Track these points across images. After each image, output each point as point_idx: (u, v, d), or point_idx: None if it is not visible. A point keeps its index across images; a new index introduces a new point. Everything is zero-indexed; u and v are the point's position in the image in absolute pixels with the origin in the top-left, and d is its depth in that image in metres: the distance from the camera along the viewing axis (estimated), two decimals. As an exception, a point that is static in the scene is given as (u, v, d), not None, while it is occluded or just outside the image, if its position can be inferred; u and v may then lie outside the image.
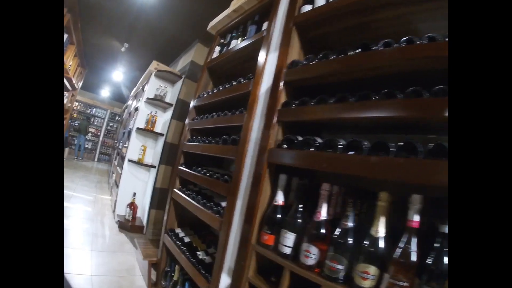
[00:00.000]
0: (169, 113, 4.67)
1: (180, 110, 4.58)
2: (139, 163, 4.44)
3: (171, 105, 4.62)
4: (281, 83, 1.65)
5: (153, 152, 4.83)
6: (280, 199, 1.47)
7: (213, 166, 2.74)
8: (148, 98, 4.63)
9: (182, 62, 5.41)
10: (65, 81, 6.32)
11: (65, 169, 7.88)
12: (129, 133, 5.27)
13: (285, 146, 1.51)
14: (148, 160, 4.72)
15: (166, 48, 5.76)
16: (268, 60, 1.82)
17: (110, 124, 12.92)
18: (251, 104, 1.81)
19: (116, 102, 12.92)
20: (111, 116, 12.83)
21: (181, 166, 2.75)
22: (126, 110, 8.80)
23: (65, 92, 6.69)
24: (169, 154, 4.48)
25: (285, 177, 1.49)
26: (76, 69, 7.04)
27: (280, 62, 1.72)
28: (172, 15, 4.62)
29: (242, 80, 2.10)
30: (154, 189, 4.38)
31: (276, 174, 1.55)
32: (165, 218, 2.77)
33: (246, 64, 2.54)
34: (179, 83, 4.81)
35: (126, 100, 10.11)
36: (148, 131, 4.55)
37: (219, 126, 2.36)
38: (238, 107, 2.02)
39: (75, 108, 11.87)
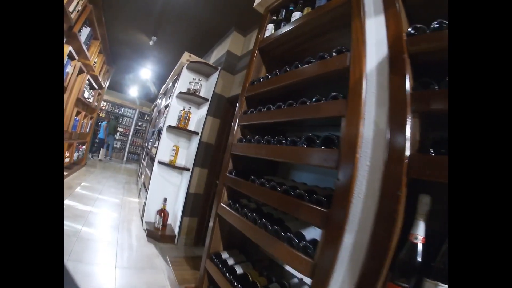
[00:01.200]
0: (204, 109, 4.07)
1: (217, 106, 3.99)
2: (171, 165, 3.86)
3: (207, 100, 4.01)
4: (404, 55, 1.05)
5: (186, 153, 4.25)
6: (420, 233, 0.92)
7: (263, 173, 2.09)
8: (180, 93, 4.05)
9: (216, 54, 4.81)
10: (90, 79, 5.87)
11: (92, 169, 7.48)
12: (159, 132, 4.73)
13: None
14: (180, 162, 4.14)
15: (197, 39, 5.17)
16: (369, 28, 1.24)
17: (139, 124, 12.58)
18: (355, 87, 1.15)
19: (145, 102, 12.58)
20: (139, 116, 12.49)
21: (231, 174, 2.10)
22: (155, 109, 8.34)
23: (91, 91, 6.25)
24: (205, 156, 3.89)
25: (429, 199, 0.92)
26: (102, 66, 6.60)
27: (393, 29, 1.13)
28: (204, 1, 4.00)
29: (329, 55, 1.44)
30: (188, 195, 3.81)
31: (412, 195, 0.92)
32: (207, 241, 2.16)
33: (307, 44, 2.00)
34: (214, 76, 4.21)
35: (155, 99, 9.66)
36: (180, 129, 3.97)
37: (280, 121, 1.71)
38: (298, 98, 1.58)
39: (103, 108, 11.60)
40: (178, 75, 4.47)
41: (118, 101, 11.99)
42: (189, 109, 4.06)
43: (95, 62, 5.90)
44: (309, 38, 1.92)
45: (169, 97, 5.03)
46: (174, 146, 3.94)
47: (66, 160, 5.40)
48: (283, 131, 2.51)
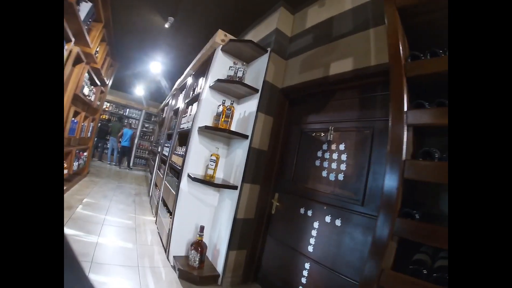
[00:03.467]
0: (249, 104, 2.90)
1: (269, 99, 2.82)
2: (209, 182, 2.64)
3: (256, 90, 2.82)
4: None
5: (225, 163, 3.04)
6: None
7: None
8: (218, 81, 2.83)
9: (256, 34, 3.60)
10: (91, 72, 4.64)
11: (96, 179, 6.23)
12: (183, 135, 3.54)
13: None
14: (219, 176, 2.94)
15: (229, 17, 3.97)
16: None
17: (146, 126, 11.28)
18: None
19: (151, 102, 11.29)
20: (146, 117, 11.21)
21: (408, 216, 0.95)
22: (166, 109, 7.10)
23: (92, 87, 5.02)
24: (256, 167, 2.73)
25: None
26: (104, 58, 5.36)
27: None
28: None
29: None
30: (235, 222, 2.66)
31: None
32: None
33: None
34: (260, 61, 3.04)
35: (164, 98, 8.38)
36: (221, 131, 2.74)
37: None
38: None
39: (106, 109, 10.33)
40: (210, 60, 3.25)
41: (122, 101, 10.71)
42: (232, 103, 2.84)
43: (96, 51, 4.67)
44: None
45: (192, 91, 3.84)
46: (212, 155, 2.72)
47: (64, 171, 4.18)
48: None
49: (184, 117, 3.82)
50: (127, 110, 10.88)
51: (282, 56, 3.07)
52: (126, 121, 10.68)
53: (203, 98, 2.98)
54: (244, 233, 2.74)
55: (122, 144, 9.27)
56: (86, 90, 4.54)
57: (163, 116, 7.22)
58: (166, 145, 4.74)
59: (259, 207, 2.82)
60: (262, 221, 2.85)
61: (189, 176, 2.78)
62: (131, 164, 9.76)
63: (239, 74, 2.87)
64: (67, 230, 3.10)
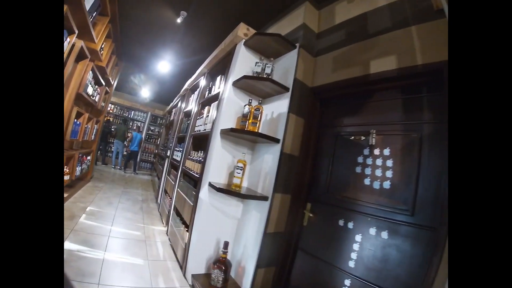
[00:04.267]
0: (278, 104, 2.56)
1: (299, 99, 2.47)
2: (236, 192, 2.26)
3: (286, 89, 2.47)
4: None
5: (250, 170, 2.67)
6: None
7: None
8: (245, 77, 2.47)
9: (279, 30, 3.26)
10: (96, 70, 4.29)
11: (100, 184, 5.86)
12: (197, 139, 3.19)
13: None
14: (243, 184, 2.57)
15: (248, 12, 3.61)
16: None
17: (151, 128, 10.90)
18: None
19: (156, 104, 10.93)
20: (152, 119, 10.84)
21: None
22: (174, 111, 6.74)
23: (96, 87, 4.66)
24: (287, 175, 2.37)
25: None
26: (110, 57, 5.01)
27: None
28: None
29: None
30: (265, 237, 2.29)
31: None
32: None
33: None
34: (287, 58, 2.72)
35: (172, 99, 8.02)
36: (246, 134, 2.36)
37: None
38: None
39: (110, 111, 9.98)
40: (230, 55, 2.89)
41: (127, 103, 10.35)
42: (260, 103, 2.47)
43: (102, 48, 4.31)
44: None
45: (207, 91, 3.49)
46: (239, 161, 2.34)
47: (66, 178, 3.81)
48: None
49: (199, 118, 3.46)
50: (132, 112, 10.51)
51: (311, 53, 2.75)
52: (131, 123, 10.32)
53: (225, 97, 2.62)
54: (274, 248, 2.39)
55: (132, 149, 8.90)
56: (90, 90, 4.18)
57: (171, 118, 6.86)
58: (177, 149, 4.37)
59: (290, 219, 2.47)
60: (292, 235, 2.50)
61: (211, 185, 2.41)
62: (136, 168, 9.39)
63: (267, 70, 2.51)
64: (69, 245, 2.74)
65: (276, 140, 2.36)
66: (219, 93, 2.84)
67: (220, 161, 2.52)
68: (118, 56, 5.84)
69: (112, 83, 6.00)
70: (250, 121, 2.36)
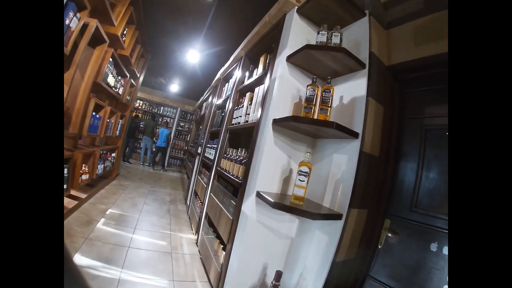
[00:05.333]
0: (353, 86, 1.85)
1: (378, 81, 1.79)
2: (301, 209, 1.55)
3: (363, 66, 1.77)
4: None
5: (316, 176, 1.95)
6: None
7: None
8: (307, 47, 1.76)
9: None
10: (117, 59, 3.76)
11: (126, 183, 5.39)
12: (234, 134, 2.59)
13: None
14: (309, 197, 1.87)
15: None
16: None
17: (181, 124, 10.43)
18: None
19: (187, 100, 10.46)
20: (181, 115, 10.39)
21: None
22: (204, 105, 6.17)
23: (119, 78, 4.14)
24: (366, 183, 1.64)
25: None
26: (134, 46, 4.49)
27: None
28: None
29: None
30: (334, 266, 1.59)
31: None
32: None
33: None
34: (356, 29, 2.00)
35: (202, 93, 7.45)
36: (318, 124, 1.60)
37: None
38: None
39: (139, 107, 9.62)
40: (278, 28, 2.20)
41: (156, 99, 9.96)
42: (329, 83, 1.74)
43: (123, 34, 3.78)
44: None
45: (247, 74, 2.84)
46: (302, 164, 1.62)
47: (85, 177, 3.30)
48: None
49: (237, 109, 2.81)
50: (162, 108, 10.11)
51: (381, 24, 2.00)
52: (160, 119, 9.92)
53: (277, 76, 1.93)
54: (342, 279, 1.69)
55: (158, 145, 8.47)
56: (111, 80, 3.66)
57: (202, 112, 6.30)
58: (210, 145, 3.76)
59: (364, 241, 1.76)
60: (365, 260, 1.79)
61: (260, 196, 1.73)
62: (165, 165, 8.97)
63: (335, 40, 1.79)
64: (80, 259, 2.19)
65: (354, 135, 1.65)
66: (265, 73, 2.16)
67: (272, 162, 1.84)
68: (144, 46, 5.33)
69: (138, 75, 5.52)
70: (317, 107, 1.66)
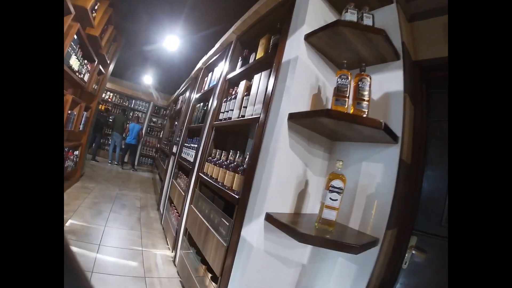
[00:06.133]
0: (386, 80, 1.45)
1: (410, 76, 1.46)
2: (334, 240, 1.11)
3: (397, 56, 1.41)
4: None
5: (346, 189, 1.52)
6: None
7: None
8: (339, 24, 1.31)
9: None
10: (85, 39, 3.20)
11: (91, 185, 4.71)
12: (221, 132, 2.18)
13: None
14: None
15: None
16: None
17: (154, 120, 9.64)
18: None
19: (161, 93, 9.61)
20: (154, 110, 9.59)
21: None
22: (181, 99, 5.59)
23: (86, 62, 3.53)
24: (402, 198, 1.24)
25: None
26: (105, 26, 3.87)
27: None
28: None
29: None
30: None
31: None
32: None
33: None
34: (384, 14, 1.60)
35: (178, 86, 6.81)
36: (362, 124, 1.15)
37: None
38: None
39: (109, 99, 8.80)
40: (287, 4, 1.74)
41: (128, 92, 9.14)
42: (364, 70, 1.29)
43: (94, 9, 3.18)
44: None
45: (242, 60, 2.38)
46: (334, 177, 1.16)
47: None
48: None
49: (227, 101, 2.31)
50: (133, 101, 9.31)
51: (405, 15, 1.66)
52: (131, 114, 9.14)
53: (292, 58, 1.46)
54: None
55: (128, 142, 7.69)
56: (74, 63, 3.05)
57: (178, 107, 5.71)
58: (188, 145, 3.24)
59: (390, 263, 1.39)
60: (385, 281, 1.42)
61: (273, 221, 1.26)
62: (136, 164, 8.24)
63: (367, 22, 1.36)
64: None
65: (395, 139, 1.24)
66: (271, 56, 1.70)
67: (286, 172, 1.38)
68: (117, 29, 4.67)
69: (108, 62, 4.86)
70: (354, 101, 1.22)
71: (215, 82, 2.90)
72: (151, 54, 5.90)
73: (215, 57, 3.33)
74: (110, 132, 8.07)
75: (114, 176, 6.41)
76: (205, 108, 3.03)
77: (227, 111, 2.23)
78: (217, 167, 2.05)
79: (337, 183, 1.15)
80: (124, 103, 9.12)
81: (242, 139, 2.56)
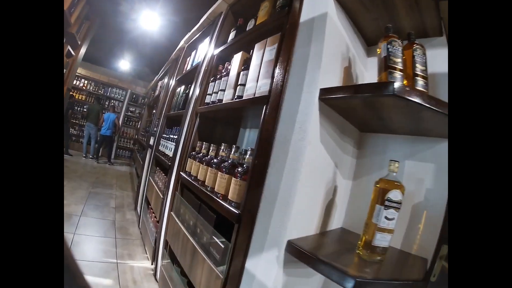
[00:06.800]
0: (434, 56, 1.02)
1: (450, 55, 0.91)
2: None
3: (440, 32, 1.09)
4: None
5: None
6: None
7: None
8: None
9: None
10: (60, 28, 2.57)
11: (64, 183, 4.13)
12: (207, 119, 1.91)
13: None
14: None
15: None
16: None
17: (131, 109, 8.94)
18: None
19: (139, 81, 8.94)
20: (132, 98, 8.91)
21: None
22: (160, 84, 5.02)
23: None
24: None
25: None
26: (77, 2, 3.29)
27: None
28: None
29: None
30: None
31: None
32: None
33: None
34: None
35: (155, 74, 6.20)
36: (429, 104, 0.73)
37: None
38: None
39: (83, 87, 8.06)
40: None
41: (103, 79, 8.42)
42: (414, 39, 0.90)
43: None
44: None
45: (237, 29, 1.92)
46: (393, 187, 0.73)
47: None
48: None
49: (215, 80, 1.84)
50: (109, 89, 8.59)
51: None
52: (107, 102, 8.43)
53: (318, 16, 1.02)
54: None
55: (102, 133, 7.01)
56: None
57: (156, 93, 5.16)
58: (166, 136, 2.77)
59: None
60: None
61: (300, 255, 0.84)
62: (112, 157, 7.60)
63: None
64: None
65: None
66: (285, 15, 1.24)
67: (314, 177, 0.95)
68: (91, 5, 4.05)
69: (79, 42, 4.24)
70: (412, 77, 0.81)
71: (199, 60, 2.42)
72: (128, 36, 5.26)
73: (199, 33, 2.83)
74: (84, 123, 7.38)
75: (89, 171, 5.82)
76: (186, 91, 2.55)
77: (216, 92, 1.77)
78: (203, 165, 1.60)
79: (395, 195, 0.75)
80: (100, 91, 8.39)
81: (229, 128, 2.12)
